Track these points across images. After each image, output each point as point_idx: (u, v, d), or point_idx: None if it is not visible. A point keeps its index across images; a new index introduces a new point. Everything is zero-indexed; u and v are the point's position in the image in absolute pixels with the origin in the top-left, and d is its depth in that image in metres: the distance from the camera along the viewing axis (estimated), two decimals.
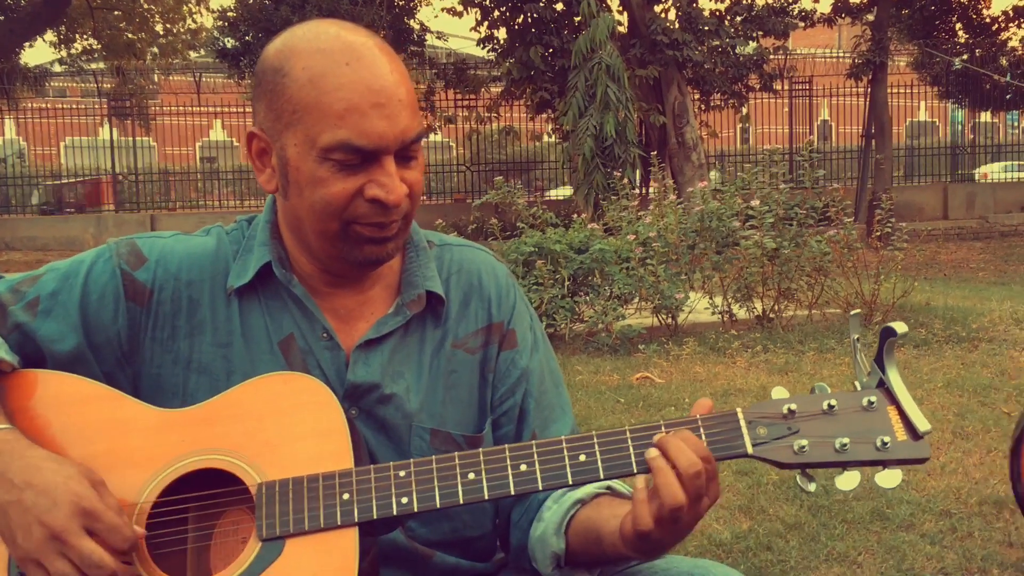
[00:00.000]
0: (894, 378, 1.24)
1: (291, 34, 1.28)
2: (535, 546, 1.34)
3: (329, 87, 1.21)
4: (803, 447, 1.21)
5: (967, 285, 10.38)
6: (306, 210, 1.27)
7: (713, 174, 12.40)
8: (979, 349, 6.11)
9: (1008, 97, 20.96)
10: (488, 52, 17.18)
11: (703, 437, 1.22)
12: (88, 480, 1.17)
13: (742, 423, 1.23)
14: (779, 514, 3.23)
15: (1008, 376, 5.29)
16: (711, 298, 7.36)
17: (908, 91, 21.99)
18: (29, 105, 22.36)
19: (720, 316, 7.23)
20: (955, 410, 4.53)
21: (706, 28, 15.28)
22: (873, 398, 1.23)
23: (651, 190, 9.08)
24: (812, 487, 1.23)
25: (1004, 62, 20.65)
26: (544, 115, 17.50)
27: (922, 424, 1.22)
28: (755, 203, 7.38)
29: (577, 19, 15.24)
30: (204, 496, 1.24)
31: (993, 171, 23.42)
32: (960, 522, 3.13)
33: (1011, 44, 21.21)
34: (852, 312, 1.32)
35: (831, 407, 1.23)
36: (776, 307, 7.31)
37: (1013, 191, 20.65)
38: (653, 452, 1.19)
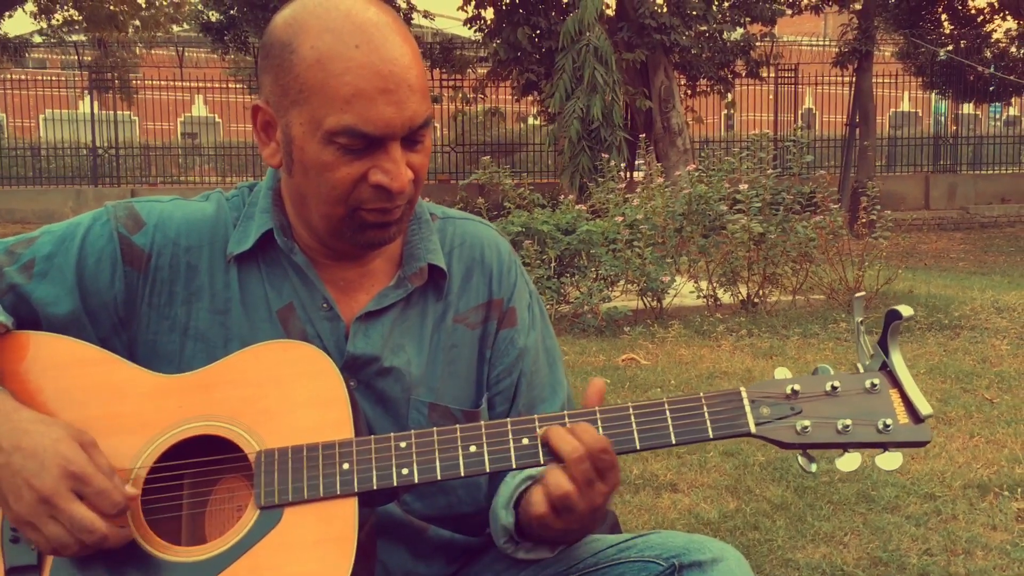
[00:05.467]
0: (897, 361, 1.24)
1: (302, 6, 1.24)
2: (491, 520, 1.34)
3: (336, 70, 1.19)
4: (805, 427, 1.22)
5: (948, 274, 10.46)
6: (311, 191, 1.26)
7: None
8: (961, 337, 6.16)
9: (991, 89, 21.07)
10: (475, 32, 17.07)
11: (706, 416, 1.22)
12: (78, 442, 1.15)
13: (745, 402, 1.23)
14: (766, 494, 3.25)
15: (990, 364, 5.33)
16: (696, 282, 7.38)
17: (892, 81, 22.06)
18: (8, 76, 22.03)
19: (705, 300, 7.25)
20: (938, 396, 4.56)
21: (694, 13, 15.22)
22: (876, 380, 1.24)
23: (636, 174, 9.07)
24: (814, 468, 1.23)
25: (988, 54, 20.74)
26: (530, 97, 17.42)
27: (924, 407, 1.22)
28: (743, 187, 7.39)
29: (565, 1, 15.18)
30: (200, 463, 1.23)
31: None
32: (944, 505, 3.15)
33: (995, 36, 21.30)
34: (856, 295, 1.33)
35: (834, 388, 1.23)
36: (761, 292, 7.34)
37: (994, 183, 20.78)
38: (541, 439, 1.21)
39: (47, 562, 1.17)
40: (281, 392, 1.23)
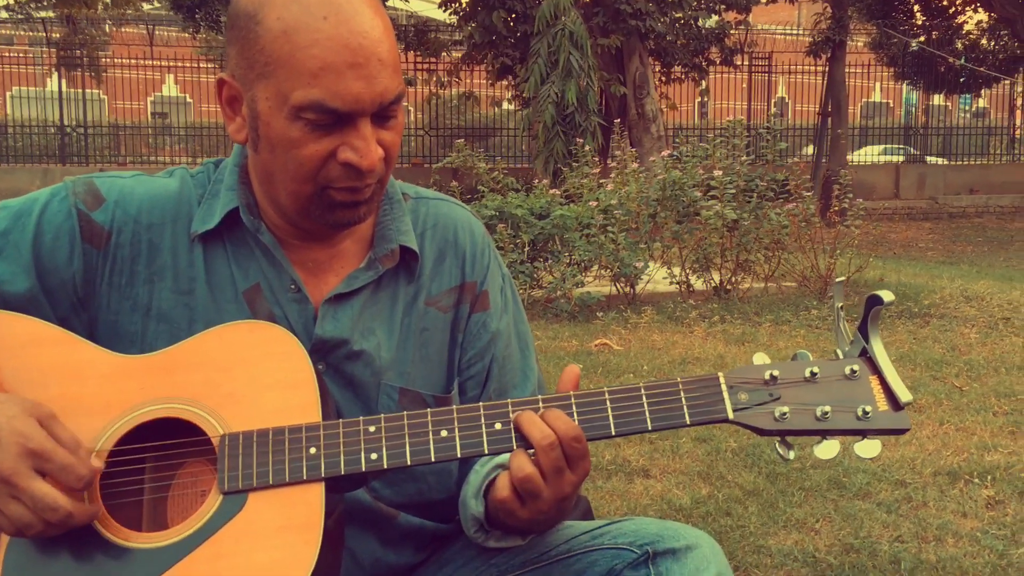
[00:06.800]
0: (877, 348, 1.22)
1: None
2: (460, 509, 1.32)
3: (304, 42, 1.14)
4: (784, 414, 1.19)
5: (917, 263, 10.55)
6: (278, 169, 1.22)
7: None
8: (930, 325, 6.21)
9: (962, 80, 21.27)
10: (450, 15, 16.97)
11: (683, 402, 1.19)
12: (35, 417, 1.10)
13: (723, 387, 1.21)
14: (738, 480, 3.25)
15: (959, 352, 5.37)
16: (669, 268, 7.38)
17: (864, 71, 22.21)
18: None
19: (678, 286, 7.26)
20: (908, 383, 4.54)
21: None
22: (855, 367, 1.21)
23: (610, 160, 9.06)
24: (792, 455, 1.21)
25: (959, 45, 20.93)
26: (505, 81, 17.35)
27: (904, 395, 1.20)
28: (717, 173, 7.40)
29: None
30: (162, 446, 1.18)
31: (872, 154, 22.99)
32: (915, 492, 3.16)
33: (966, 28, 21.50)
34: (836, 280, 1.30)
35: (813, 374, 1.21)
36: (733, 279, 7.36)
37: (963, 174, 21.01)
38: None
39: (1, 550, 1.13)
40: (247, 374, 1.19)
